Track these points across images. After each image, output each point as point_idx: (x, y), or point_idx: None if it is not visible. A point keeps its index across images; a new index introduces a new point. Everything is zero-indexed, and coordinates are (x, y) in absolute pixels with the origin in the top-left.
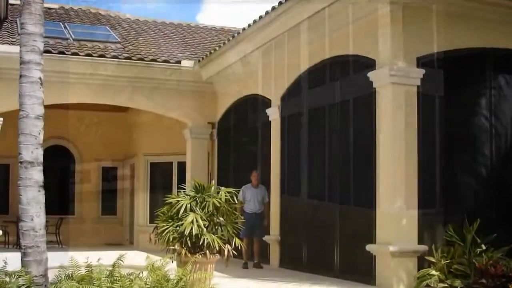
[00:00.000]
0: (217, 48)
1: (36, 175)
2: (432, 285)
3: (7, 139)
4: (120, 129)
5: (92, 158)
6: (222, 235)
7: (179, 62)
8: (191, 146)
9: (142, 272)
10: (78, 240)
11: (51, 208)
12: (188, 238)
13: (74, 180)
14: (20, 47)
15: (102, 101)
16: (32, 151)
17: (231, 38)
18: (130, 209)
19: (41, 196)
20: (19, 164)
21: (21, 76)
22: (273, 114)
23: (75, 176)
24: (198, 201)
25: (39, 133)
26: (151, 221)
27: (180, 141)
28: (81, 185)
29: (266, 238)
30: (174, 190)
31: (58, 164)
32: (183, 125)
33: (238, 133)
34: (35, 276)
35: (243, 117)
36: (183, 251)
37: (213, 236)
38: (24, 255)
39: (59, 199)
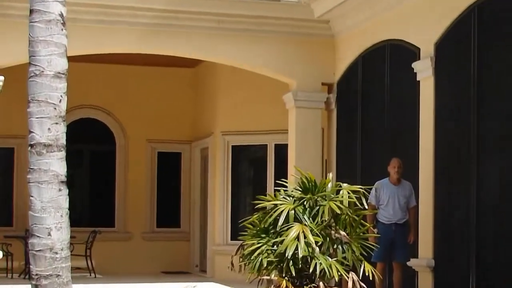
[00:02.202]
0: None
1: (55, 165)
2: None
3: (9, 110)
4: (185, 94)
5: (143, 139)
6: (344, 258)
7: None
8: (296, 120)
9: None
10: (120, 265)
11: (79, 216)
12: (291, 262)
13: (115, 173)
14: None
15: (156, 51)
16: (49, 127)
17: None
18: (202, 219)
19: (62, 198)
20: (29, 148)
21: (32, 11)
22: (424, 69)
23: (116, 166)
24: (307, 206)
25: (60, 101)
26: (234, 237)
27: (279, 112)
28: (124, 181)
29: (411, 262)
30: (270, 188)
31: (90, 148)
32: (284, 88)
33: (369, 100)
34: None
35: (377, 75)
36: (284, 283)
37: (330, 259)
38: None
39: (90, 203)
